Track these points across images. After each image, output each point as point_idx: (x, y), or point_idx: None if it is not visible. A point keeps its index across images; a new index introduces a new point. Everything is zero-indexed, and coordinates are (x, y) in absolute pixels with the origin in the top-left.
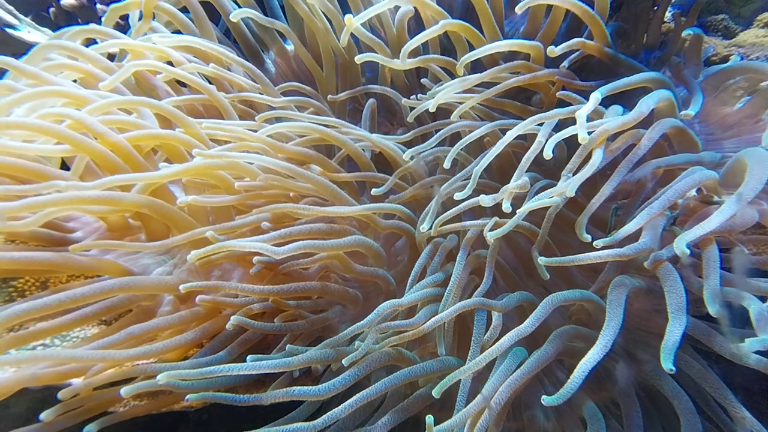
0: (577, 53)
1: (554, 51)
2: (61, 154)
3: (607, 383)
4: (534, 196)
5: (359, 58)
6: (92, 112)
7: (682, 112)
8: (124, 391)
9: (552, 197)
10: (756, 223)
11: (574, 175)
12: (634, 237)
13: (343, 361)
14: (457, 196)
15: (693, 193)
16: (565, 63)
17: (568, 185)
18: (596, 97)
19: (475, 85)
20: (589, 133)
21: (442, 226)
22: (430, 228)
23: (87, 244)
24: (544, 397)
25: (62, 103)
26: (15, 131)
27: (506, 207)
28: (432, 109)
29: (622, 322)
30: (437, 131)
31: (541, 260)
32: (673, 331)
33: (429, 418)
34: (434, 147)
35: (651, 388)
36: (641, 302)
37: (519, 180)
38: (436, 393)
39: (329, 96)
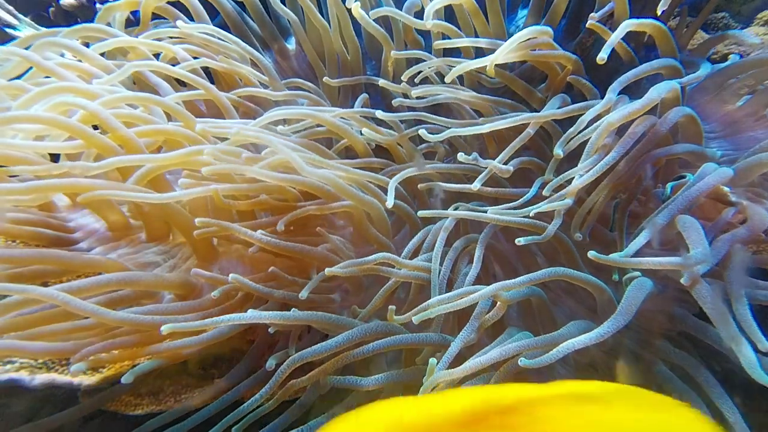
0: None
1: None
2: (70, 150)
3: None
4: (535, 190)
5: (374, 13)
6: (103, 105)
7: (686, 78)
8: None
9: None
10: None
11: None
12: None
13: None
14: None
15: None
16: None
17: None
18: (609, 98)
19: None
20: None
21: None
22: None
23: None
24: (521, 358)
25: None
26: (28, 125)
27: (475, 186)
28: (448, 80)
29: (629, 320)
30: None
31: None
32: (745, 353)
33: (432, 360)
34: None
35: (651, 388)
36: (647, 303)
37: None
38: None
39: (325, 78)
